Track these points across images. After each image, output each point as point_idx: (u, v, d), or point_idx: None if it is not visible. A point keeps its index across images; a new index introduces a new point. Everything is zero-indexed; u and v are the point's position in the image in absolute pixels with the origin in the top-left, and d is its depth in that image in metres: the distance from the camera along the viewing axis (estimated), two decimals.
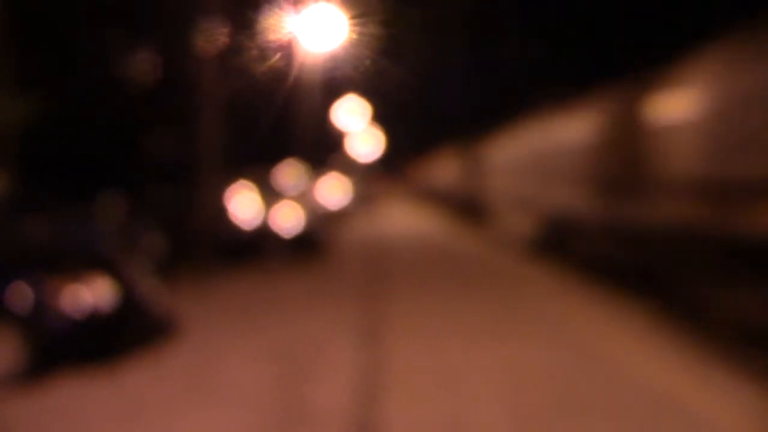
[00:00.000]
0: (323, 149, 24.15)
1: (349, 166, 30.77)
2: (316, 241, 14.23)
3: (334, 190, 24.79)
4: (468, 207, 22.68)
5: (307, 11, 4.33)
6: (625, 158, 9.40)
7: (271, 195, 13.79)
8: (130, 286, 6.14)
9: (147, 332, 6.37)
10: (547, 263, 11.93)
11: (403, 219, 27.69)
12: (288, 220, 13.52)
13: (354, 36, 4.35)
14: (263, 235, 12.92)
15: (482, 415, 4.57)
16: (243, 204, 12.69)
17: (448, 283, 10.42)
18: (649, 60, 9.79)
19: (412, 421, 4.50)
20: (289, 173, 17.53)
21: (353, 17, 4.40)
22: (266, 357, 6.16)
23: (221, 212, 12.11)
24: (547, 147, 13.46)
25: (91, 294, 5.68)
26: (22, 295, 5.40)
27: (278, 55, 4.02)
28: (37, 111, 12.60)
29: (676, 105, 8.14)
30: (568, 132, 12.33)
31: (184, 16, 10.57)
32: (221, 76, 10.39)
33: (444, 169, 31.18)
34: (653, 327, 6.89)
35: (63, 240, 6.67)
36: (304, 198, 16.10)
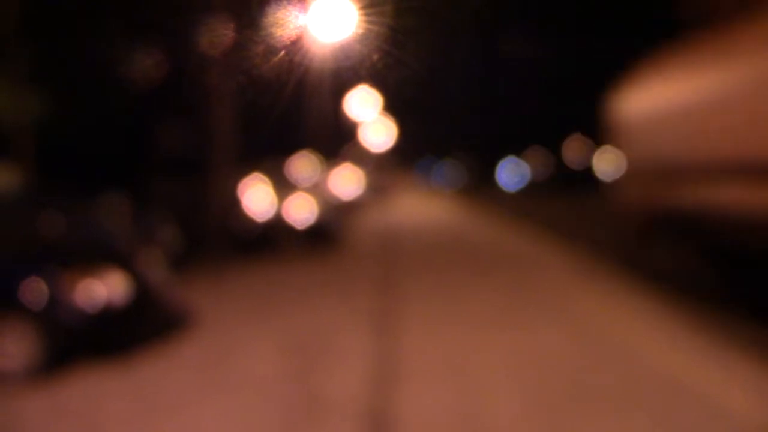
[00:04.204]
0: (336, 140, 24.19)
1: (362, 157, 30.79)
2: (330, 232, 14.24)
3: (347, 181, 24.79)
4: None
5: (318, 3, 4.30)
6: None
7: (284, 187, 13.81)
8: (144, 280, 6.16)
9: (161, 325, 6.40)
10: None
11: (418, 209, 27.65)
12: (301, 211, 13.53)
13: (364, 26, 4.32)
14: (277, 227, 12.95)
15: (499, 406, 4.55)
16: (256, 197, 12.71)
17: (463, 273, 10.39)
18: None
19: (426, 410, 4.48)
20: (302, 165, 17.55)
21: (363, 7, 4.37)
22: (281, 347, 6.17)
23: (235, 205, 12.14)
24: None
25: (105, 288, 5.70)
26: (36, 289, 5.43)
27: (288, 48, 4.00)
28: (51, 105, 12.67)
29: None
30: None
31: (194, 10, 10.57)
32: (232, 70, 10.38)
33: None
34: None
35: (77, 234, 6.70)
36: (318, 189, 16.11)
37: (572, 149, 49.94)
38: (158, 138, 14.55)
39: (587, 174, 47.56)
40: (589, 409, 4.45)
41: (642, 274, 9.71)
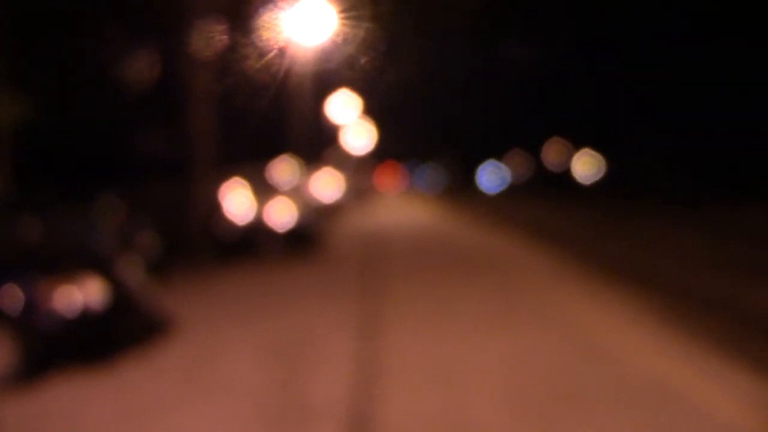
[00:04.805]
0: (317, 144, 24.17)
1: (342, 160, 30.79)
2: (311, 234, 14.23)
3: (328, 184, 24.78)
4: None
5: (297, 6, 4.31)
6: None
7: (265, 191, 13.76)
8: (123, 285, 6.11)
9: (141, 331, 6.35)
10: None
11: (399, 212, 27.68)
12: (282, 215, 13.50)
13: (344, 30, 4.33)
14: (257, 231, 12.90)
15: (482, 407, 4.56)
16: (237, 200, 12.66)
17: (443, 273, 10.42)
18: None
19: (411, 414, 4.49)
20: (283, 169, 17.51)
21: (342, 11, 4.38)
22: (262, 351, 6.15)
23: (215, 209, 12.07)
24: None
25: (83, 294, 5.65)
26: (13, 296, 5.37)
27: (269, 52, 4.00)
28: (30, 110, 12.53)
29: None
30: None
31: (176, 14, 10.53)
32: (213, 74, 10.34)
33: None
34: None
35: (55, 240, 6.63)
36: (298, 193, 16.07)
37: (552, 152, 50.30)
38: (138, 141, 14.43)
39: (566, 176, 47.95)
40: (575, 411, 4.48)
41: (627, 277, 9.80)
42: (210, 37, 9.23)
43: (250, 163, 14.37)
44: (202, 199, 11.34)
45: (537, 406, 4.55)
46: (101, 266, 6.03)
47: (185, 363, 5.88)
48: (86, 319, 5.62)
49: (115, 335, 5.95)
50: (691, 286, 9.10)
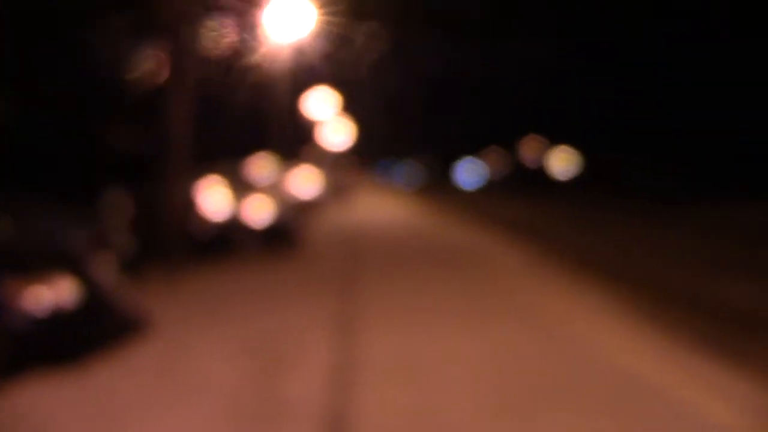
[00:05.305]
0: (294, 140, 24.06)
1: (320, 157, 30.70)
2: (288, 231, 14.16)
3: (306, 181, 24.67)
4: None
5: (276, 3, 4.26)
6: None
7: (242, 188, 13.64)
8: (96, 285, 6.01)
9: (114, 330, 6.25)
10: None
11: (378, 209, 27.67)
12: (259, 212, 13.40)
13: (323, 27, 4.29)
14: (234, 228, 12.79)
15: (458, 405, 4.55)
16: (213, 198, 12.53)
17: (420, 270, 10.41)
18: None
19: (385, 411, 4.46)
20: (260, 166, 17.39)
21: (322, 8, 4.34)
22: (239, 350, 6.09)
23: (190, 207, 11.94)
24: None
25: (54, 293, 5.54)
26: None
27: (248, 48, 3.94)
28: None
29: None
30: None
31: (152, 11, 10.38)
32: (190, 70, 10.20)
33: None
34: None
35: (26, 240, 6.49)
36: (276, 190, 15.97)
37: (528, 149, 50.69)
38: (111, 139, 14.21)
39: (541, 173, 48.41)
40: (553, 408, 4.49)
41: (602, 272, 9.88)
42: (187, 32, 9.10)
43: (227, 160, 14.23)
44: (178, 197, 11.20)
45: (513, 404, 4.55)
46: (73, 265, 5.91)
47: (159, 362, 5.80)
48: (57, 318, 5.51)
49: (87, 335, 5.85)
50: (670, 283, 9.20)
